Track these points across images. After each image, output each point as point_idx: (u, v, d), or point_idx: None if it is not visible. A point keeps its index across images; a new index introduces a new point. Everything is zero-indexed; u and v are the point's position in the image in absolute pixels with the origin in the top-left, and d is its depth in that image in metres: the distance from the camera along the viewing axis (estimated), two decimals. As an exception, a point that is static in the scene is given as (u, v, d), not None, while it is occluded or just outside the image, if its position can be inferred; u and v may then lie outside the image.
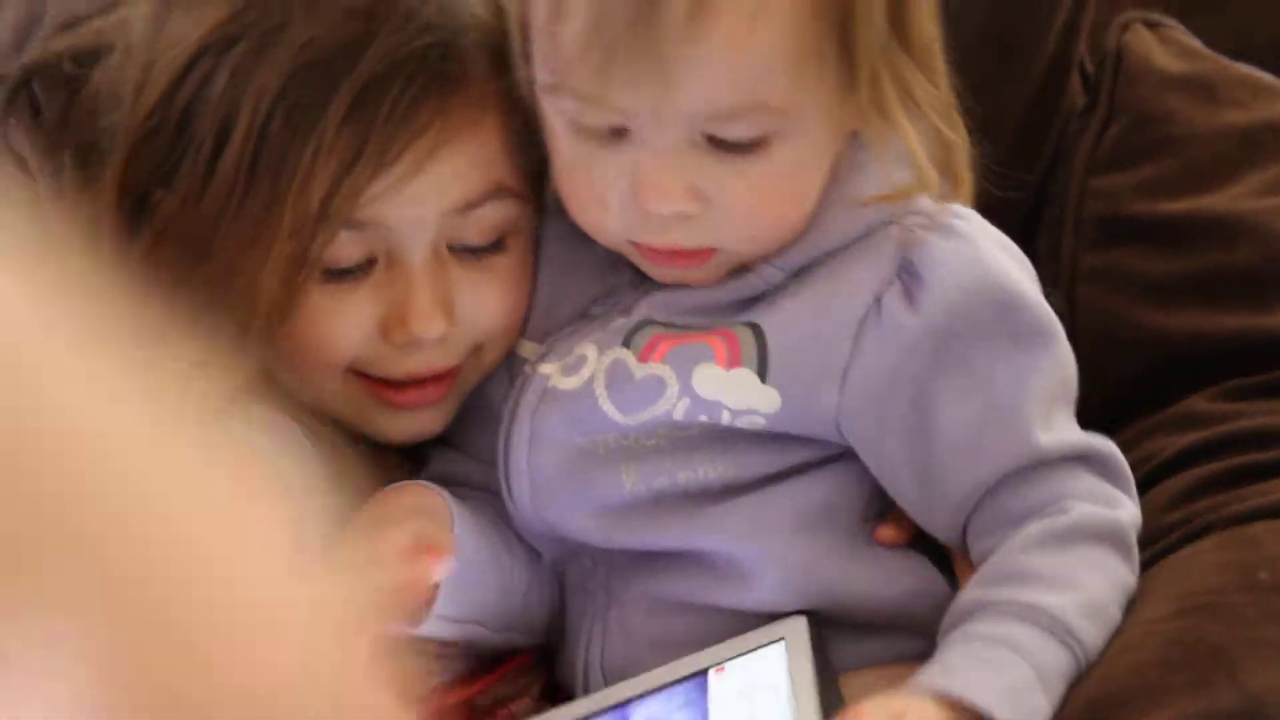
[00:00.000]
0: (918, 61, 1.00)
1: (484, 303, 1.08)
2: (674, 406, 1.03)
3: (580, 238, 1.08)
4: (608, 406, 1.05)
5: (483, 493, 1.11)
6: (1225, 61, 1.34)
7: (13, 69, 1.46)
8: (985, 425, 1.01)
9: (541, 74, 1.00)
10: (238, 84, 1.03)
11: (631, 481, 1.05)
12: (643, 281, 1.08)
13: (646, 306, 1.07)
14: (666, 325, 1.06)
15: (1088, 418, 1.21)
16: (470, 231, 1.07)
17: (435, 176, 1.04)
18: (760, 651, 1.00)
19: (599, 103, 0.98)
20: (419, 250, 1.05)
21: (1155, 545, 1.09)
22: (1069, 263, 1.27)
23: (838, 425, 1.03)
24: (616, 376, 1.05)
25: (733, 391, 1.03)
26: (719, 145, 0.99)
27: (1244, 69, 1.33)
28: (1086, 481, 1.02)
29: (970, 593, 0.99)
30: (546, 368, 1.08)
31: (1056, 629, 0.96)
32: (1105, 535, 1.00)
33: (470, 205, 1.06)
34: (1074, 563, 0.99)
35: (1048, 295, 1.04)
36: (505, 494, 1.09)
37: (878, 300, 1.02)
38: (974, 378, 1.01)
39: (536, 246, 1.11)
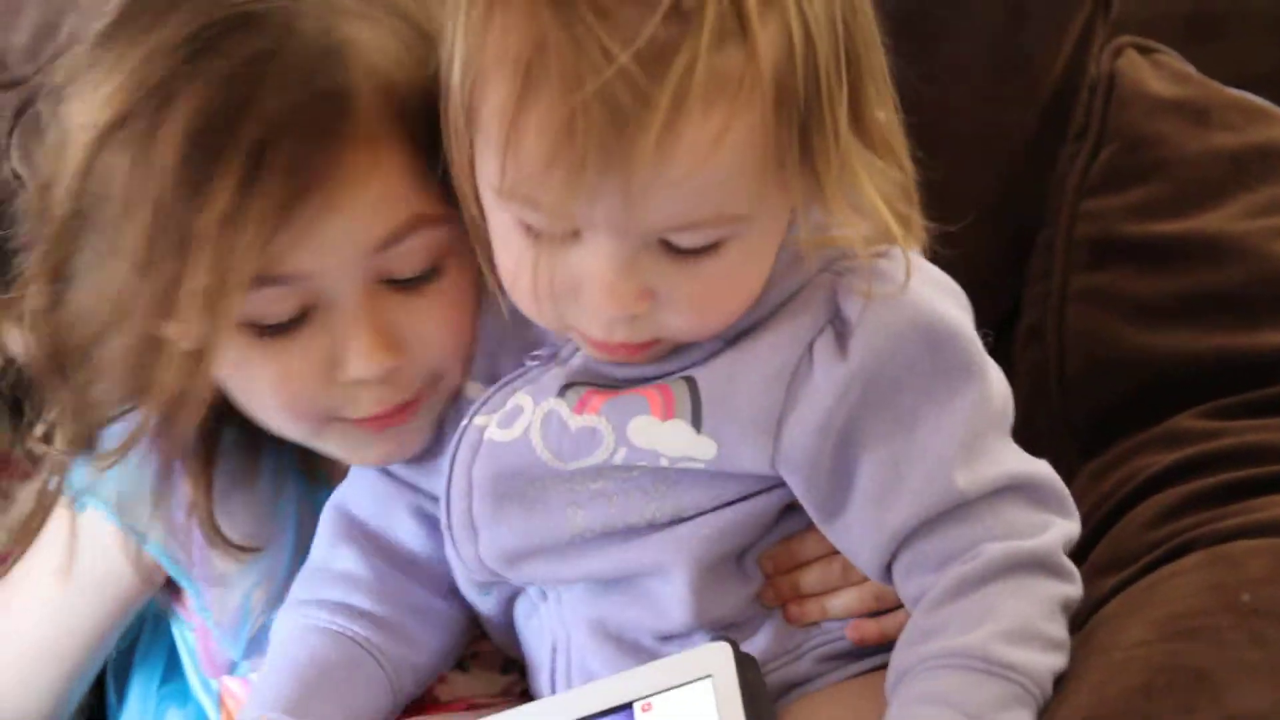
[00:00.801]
0: (879, 151, 1.01)
1: (428, 330, 1.07)
2: (612, 454, 1.04)
3: None
4: (545, 455, 1.06)
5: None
6: (1217, 86, 1.35)
7: (29, 72, 1.49)
8: (904, 468, 1.02)
9: (491, 176, 0.98)
10: (138, 168, 1.03)
11: (575, 523, 1.06)
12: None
13: (581, 360, 1.07)
14: (600, 384, 1.06)
15: (1075, 436, 1.24)
16: (398, 265, 1.06)
17: (343, 222, 1.03)
18: (688, 687, 1.00)
19: (556, 214, 0.97)
20: (349, 293, 1.05)
21: (1138, 562, 1.10)
22: (1059, 284, 1.29)
23: (773, 469, 1.03)
24: (552, 427, 1.06)
25: (668, 441, 1.03)
26: (672, 249, 0.98)
27: (1235, 93, 1.34)
28: (1008, 515, 1.03)
29: (897, 656, 1.01)
30: (481, 420, 1.08)
31: (977, 664, 0.97)
32: (1022, 564, 1.01)
33: (390, 242, 1.05)
34: (989, 599, 1.00)
35: (983, 335, 1.04)
36: (449, 544, 1.10)
37: (809, 349, 1.02)
38: (898, 422, 1.02)
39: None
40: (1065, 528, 1.03)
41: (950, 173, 1.31)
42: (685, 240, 0.97)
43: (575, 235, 0.98)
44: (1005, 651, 0.97)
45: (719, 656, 1.00)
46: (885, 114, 1.01)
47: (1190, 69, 1.36)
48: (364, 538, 1.14)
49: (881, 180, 1.01)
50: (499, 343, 1.11)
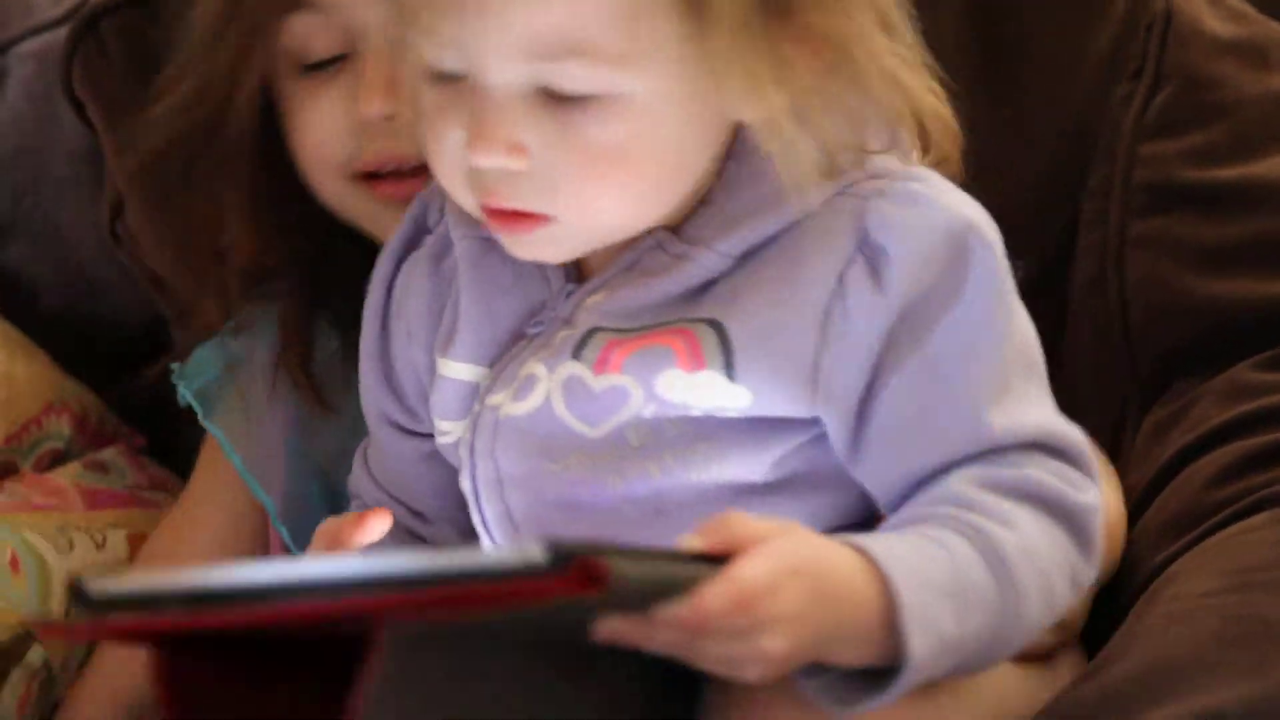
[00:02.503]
0: (824, 62, 0.95)
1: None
2: (641, 410, 0.98)
3: (490, 254, 1.04)
4: (571, 421, 0.99)
5: None
6: (1276, 25, 1.33)
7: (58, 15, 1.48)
8: (927, 400, 0.95)
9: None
10: None
11: (616, 486, 1.00)
12: (574, 289, 1.02)
13: (589, 314, 1.01)
14: (616, 331, 1.00)
15: (1140, 387, 1.22)
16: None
17: None
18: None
19: (427, 32, 0.95)
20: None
21: (1206, 521, 1.08)
22: (1116, 229, 1.27)
23: (812, 412, 0.97)
24: (574, 393, 1.00)
25: (700, 394, 0.97)
26: (552, 99, 0.94)
27: (1295, 32, 1.33)
28: (1049, 465, 0.95)
29: (907, 510, 0.95)
30: (495, 399, 1.02)
31: (992, 558, 0.90)
32: (1062, 513, 0.94)
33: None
34: (1017, 511, 0.93)
35: (1015, 268, 0.99)
36: (486, 539, 1.05)
37: (841, 282, 0.96)
38: (920, 345, 0.95)
39: None
40: (1096, 497, 0.96)
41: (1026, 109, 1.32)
42: (561, 81, 0.93)
43: (463, 80, 0.95)
44: (1020, 567, 0.91)
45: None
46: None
47: (1247, 6, 1.34)
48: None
49: (824, 99, 0.96)
50: (480, 322, 1.05)
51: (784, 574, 0.84)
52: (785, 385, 0.96)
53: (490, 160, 0.94)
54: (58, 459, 1.43)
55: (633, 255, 1.00)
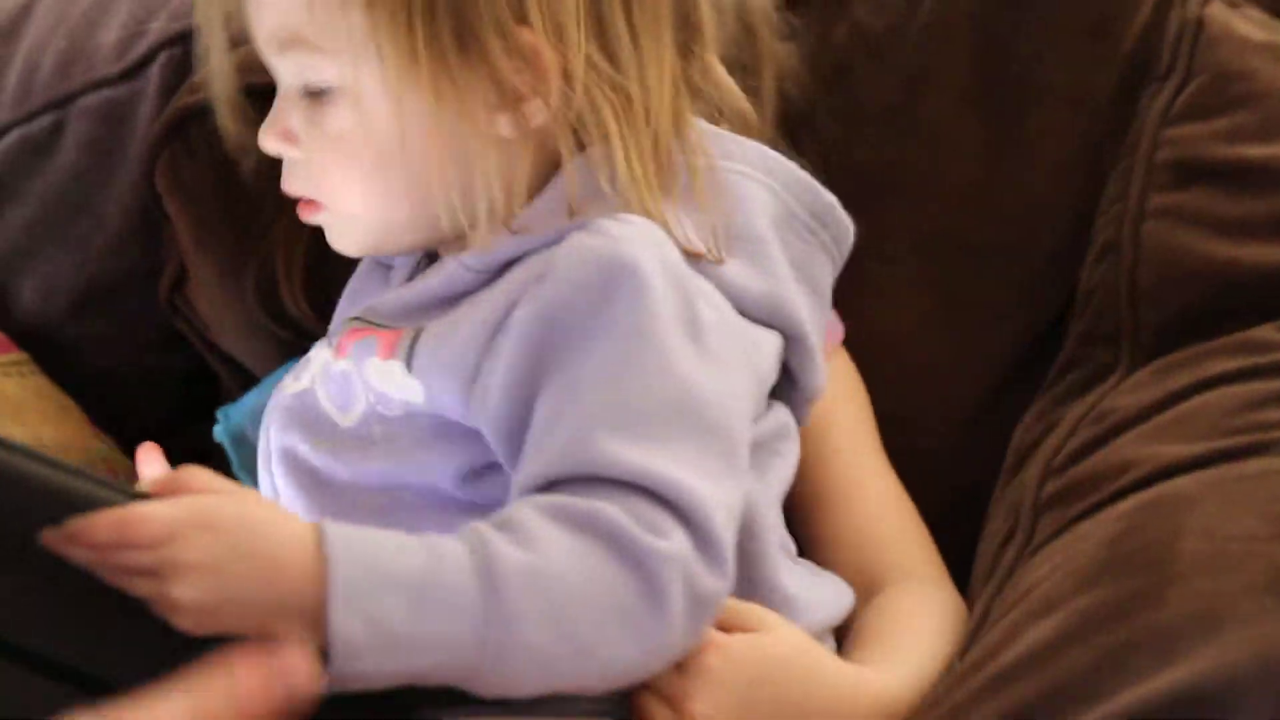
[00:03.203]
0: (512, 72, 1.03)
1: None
2: (367, 398, 1.05)
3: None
4: (327, 405, 1.07)
5: None
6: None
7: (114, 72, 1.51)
8: (556, 419, 0.96)
9: None
10: None
11: (358, 474, 1.05)
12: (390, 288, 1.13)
13: (364, 305, 1.10)
14: (367, 322, 1.08)
15: (1141, 351, 1.21)
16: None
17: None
18: None
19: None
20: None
21: (1216, 442, 1.07)
22: (1136, 202, 1.26)
23: (468, 418, 1.01)
24: (326, 375, 1.08)
25: (388, 381, 1.03)
26: (308, 92, 1.05)
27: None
28: (636, 507, 0.92)
29: None
30: (287, 380, 1.11)
31: (484, 571, 0.88)
32: (618, 547, 0.91)
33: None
34: (557, 539, 0.90)
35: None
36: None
37: (515, 298, 1.00)
38: (562, 369, 0.97)
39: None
40: (681, 549, 0.92)
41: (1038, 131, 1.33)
42: (287, 72, 1.06)
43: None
44: (513, 584, 0.88)
45: None
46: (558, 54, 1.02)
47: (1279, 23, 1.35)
48: None
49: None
50: (343, 307, 1.17)
51: (190, 523, 0.84)
52: (449, 385, 1.00)
53: (267, 146, 1.08)
54: None
55: (437, 264, 1.08)
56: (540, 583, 0.89)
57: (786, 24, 1.28)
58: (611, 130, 1.03)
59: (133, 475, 1.46)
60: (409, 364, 1.02)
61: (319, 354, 1.10)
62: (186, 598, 0.84)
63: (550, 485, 0.94)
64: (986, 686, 0.96)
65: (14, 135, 1.52)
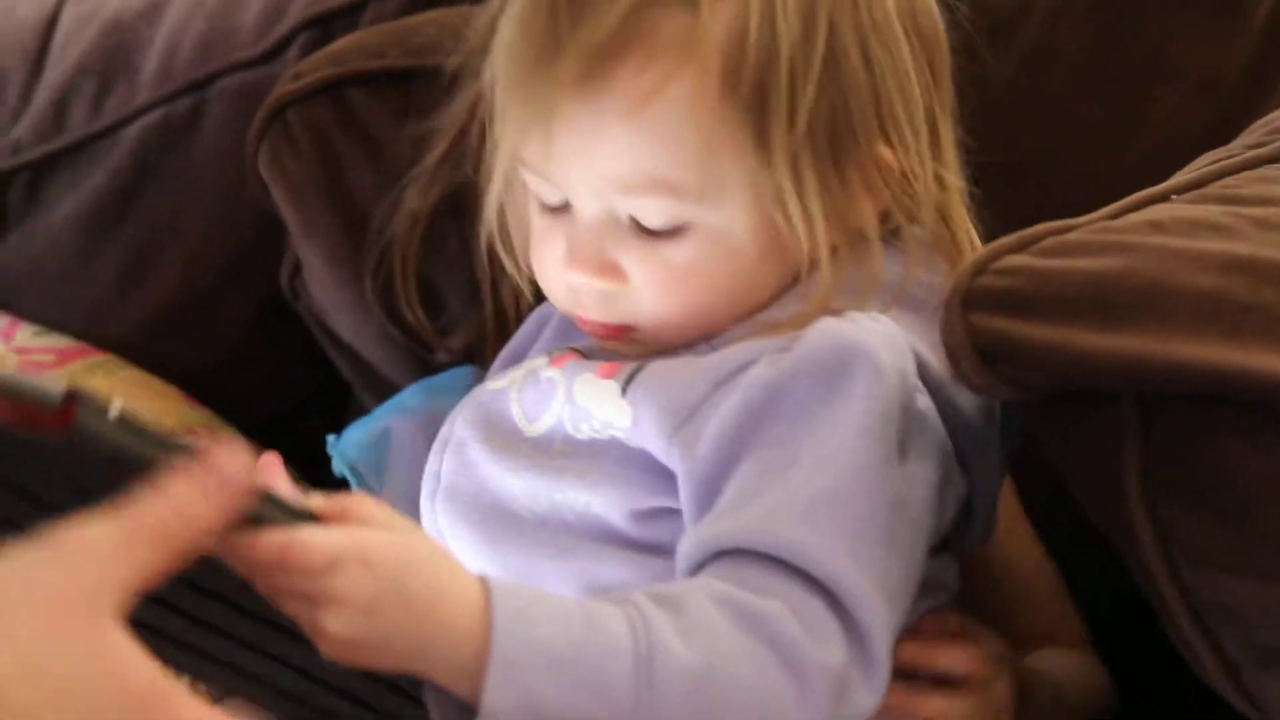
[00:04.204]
0: (864, 186, 1.05)
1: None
2: (562, 412, 1.05)
3: None
4: (516, 410, 1.07)
5: None
6: None
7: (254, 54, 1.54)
8: (759, 491, 0.95)
9: (497, 136, 1.08)
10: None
11: (522, 482, 1.05)
12: None
13: (584, 343, 1.11)
14: (585, 355, 1.09)
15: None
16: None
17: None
18: None
19: (532, 170, 1.05)
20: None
21: None
22: None
23: (668, 456, 1.00)
24: (529, 381, 1.08)
25: (597, 399, 1.03)
26: (641, 230, 1.03)
27: None
28: (810, 608, 0.91)
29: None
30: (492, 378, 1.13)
31: (644, 662, 0.87)
32: (783, 652, 0.89)
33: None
34: (727, 636, 0.89)
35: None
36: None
37: (751, 361, 1.00)
38: (785, 443, 0.96)
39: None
40: (843, 660, 0.91)
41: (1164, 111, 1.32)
42: (645, 215, 1.02)
43: (566, 209, 1.05)
44: (669, 681, 0.87)
45: None
46: (901, 160, 1.05)
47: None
48: None
49: (847, 220, 1.04)
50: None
51: (352, 557, 0.83)
52: (661, 419, 1.00)
53: (585, 282, 1.05)
54: None
55: None
56: (698, 685, 0.88)
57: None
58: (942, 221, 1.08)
59: (236, 439, 1.50)
60: (624, 389, 1.03)
61: (534, 360, 1.11)
62: (334, 630, 0.83)
63: (729, 551, 0.93)
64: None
65: (155, 115, 1.56)
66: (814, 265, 1.05)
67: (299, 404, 1.56)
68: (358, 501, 0.86)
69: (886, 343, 0.99)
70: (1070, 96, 1.35)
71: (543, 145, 1.03)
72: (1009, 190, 1.33)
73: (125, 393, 1.51)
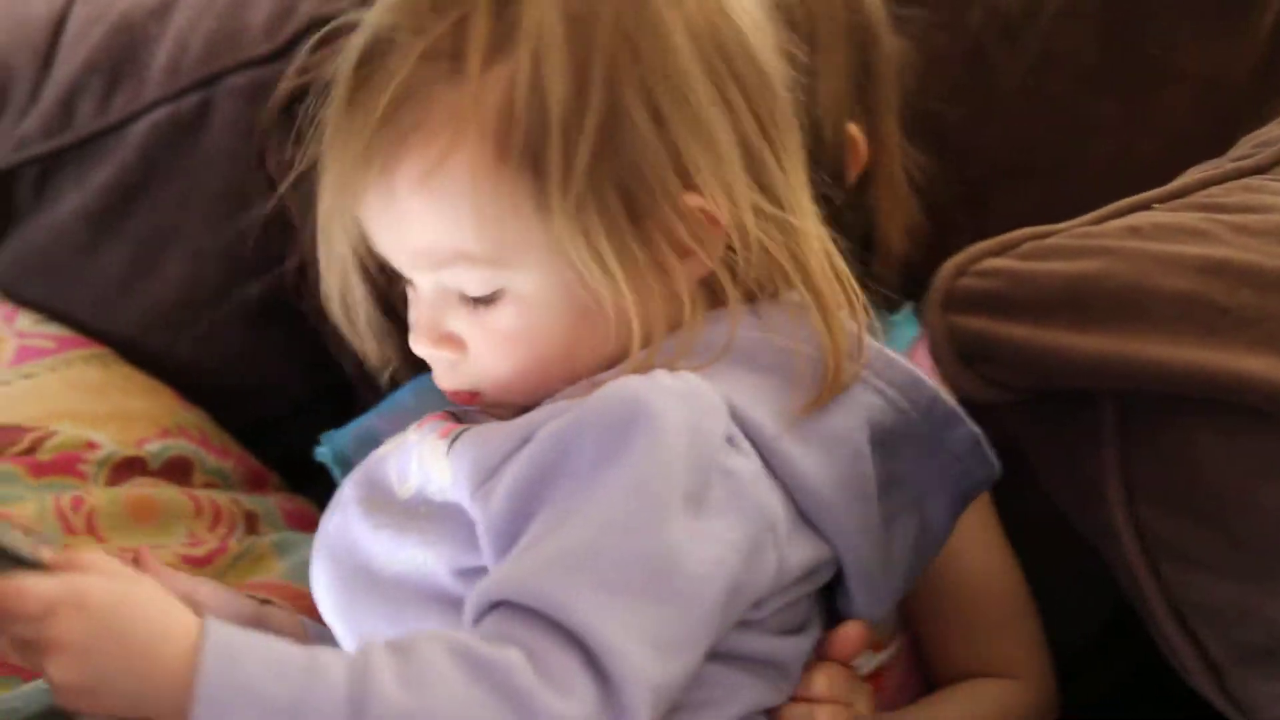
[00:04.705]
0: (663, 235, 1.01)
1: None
2: (420, 474, 1.05)
3: None
4: (392, 474, 1.07)
5: None
6: None
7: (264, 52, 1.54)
8: (536, 542, 0.95)
9: None
10: None
11: (382, 555, 1.05)
12: None
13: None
14: (452, 414, 1.10)
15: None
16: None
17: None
18: None
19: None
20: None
21: None
22: None
23: (471, 508, 1.00)
24: (402, 443, 1.08)
25: (432, 460, 1.04)
26: (466, 298, 1.04)
27: None
28: (553, 659, 0.91)
29: None
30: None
31: (358, 705, 0.87)
32: (515, 701, 0.89)
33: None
34: (449, 681, 0.89)
35: None
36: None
37: (551, 415, 1.00)
38: (563, 502, 0.96)
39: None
40: (584, 714, 0.90)
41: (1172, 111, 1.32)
42: (460, 284, 1.04)
43: (414, 283, 1.07)
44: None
45: None
46: (718, 210, 1.02)
47: None
48: None
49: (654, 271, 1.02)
50: None
51: (67, 602, 0.86)
52: (470, 474, 1.01)
53: (421, 349, 1.07)
54: (187, 467, 1.49)
55: None
56: None
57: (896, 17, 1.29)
58: (788, 269, 1.04)
59: (227, 445, 1.53)
60: (449, 449, 1.04)
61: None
62: (57, 676, 0.86)
63: (499, 603, 0.94)
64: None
65: (163, 112, 1.56)
66: (651, 327, 1.03)
67: (298, 406, 1.56)
68: (87, 553, 0.89)
69: (680, 400, 0.98)
70: (1079, 97, 1.35)
71: (363, 224, 1.06)
72: (1017, 191, 1.34)
73: (119, 388, 1.52)
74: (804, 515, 1.02)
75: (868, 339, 1.04)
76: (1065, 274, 0.96)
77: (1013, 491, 1.13)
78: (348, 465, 1.21)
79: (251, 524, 1.46)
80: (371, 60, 1.03)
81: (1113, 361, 0.91)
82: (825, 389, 1.02)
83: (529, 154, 1.00)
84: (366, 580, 1.05)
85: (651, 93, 1.01)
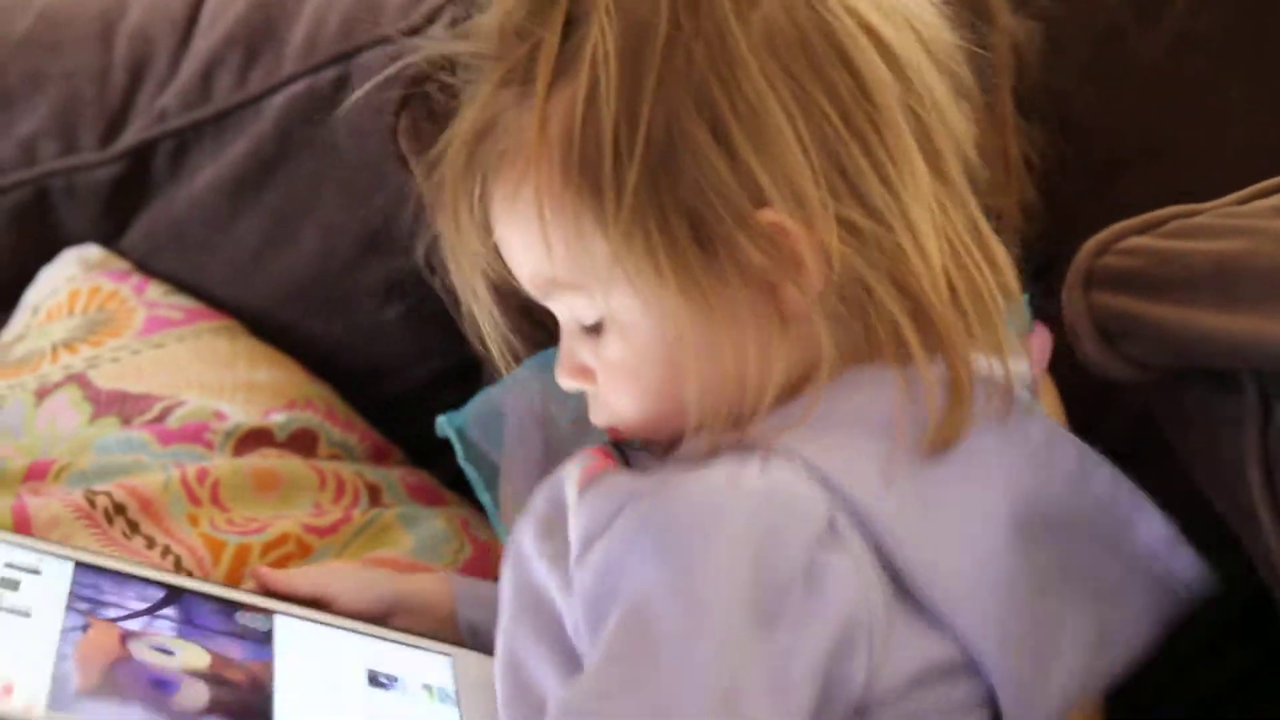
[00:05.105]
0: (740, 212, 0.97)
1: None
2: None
3: None
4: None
5: None
6: None
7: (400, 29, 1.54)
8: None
9: None
10: None
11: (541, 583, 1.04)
12: None
13: None
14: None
15: None
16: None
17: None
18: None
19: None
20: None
21: None
22: None
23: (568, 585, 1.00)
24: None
25: (571, 501, 1.02)
26: (584, 329, 1.04)
27: None
28: None
29: None
30: None
31: None
32: None
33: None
34: None
35: None
36: None
37: (617, 512, 0.98)
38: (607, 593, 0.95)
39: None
40: None
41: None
42: (569, 312, 1.04)
43: None
44: None
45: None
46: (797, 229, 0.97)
47: None
48: None
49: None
50: None
51: None
52: (579, 538, 0.99)
53: (562, 381, 1.07)
54: (312, 439, 1.50)
55: None
56: None
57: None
58: (887, 300, 0.97)
59: (351, 419, 1.54)
60: (580, 497, 1.01)
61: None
62: None
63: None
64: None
65: (300, 85, 1.57)
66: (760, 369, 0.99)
67: (425, 385, 1.57)
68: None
69: (756, 504, 0.94)
70: (1213, 81, 1.33)
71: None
72: (1144, 175, 1.32)
73: (246, 359, 1.55)
74: (921, 606, 0.96)
75: (1023, 394, 0.98)
76: (1210, 253, 0.95)
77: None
78: (468, 440, 1.21)
79: (375, 496, 1.46)
80: (465, 87, 1.06)
81: (1257, 342, 0.90)
82: (928, 443, 0.96)
83: (588, 174, 0.98)
84: (531, 598, 1.04)
85: (712, 107, 0.97)
